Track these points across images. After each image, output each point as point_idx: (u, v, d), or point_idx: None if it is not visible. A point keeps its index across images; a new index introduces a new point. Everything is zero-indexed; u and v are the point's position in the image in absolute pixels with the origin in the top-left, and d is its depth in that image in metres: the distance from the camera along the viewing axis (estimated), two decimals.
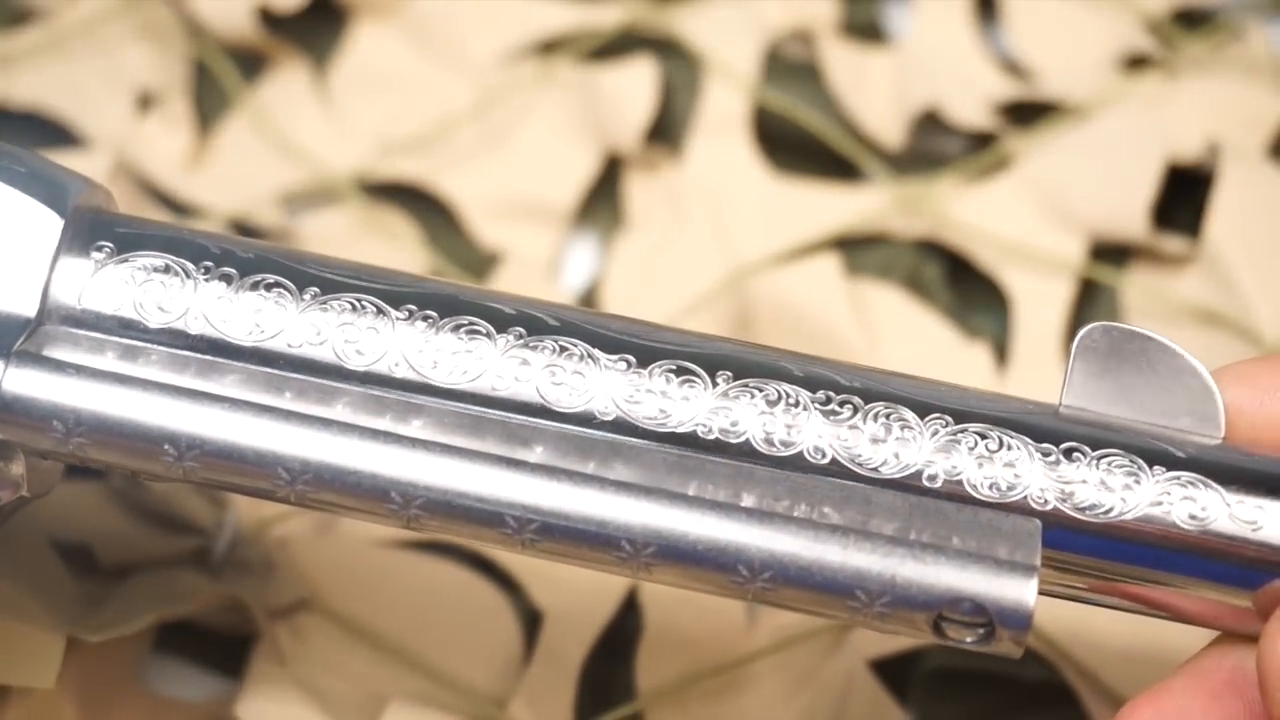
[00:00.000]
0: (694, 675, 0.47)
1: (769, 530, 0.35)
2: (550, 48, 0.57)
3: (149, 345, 0.37)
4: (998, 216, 0.54)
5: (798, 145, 0.56)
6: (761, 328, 0.52)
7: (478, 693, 0.47)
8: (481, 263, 0.54)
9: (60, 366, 0.37)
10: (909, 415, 0.37)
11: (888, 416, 0.37)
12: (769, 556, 0.35)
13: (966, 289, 0.54)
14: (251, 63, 0.57)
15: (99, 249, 0.38)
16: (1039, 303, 0.53)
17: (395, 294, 0.38)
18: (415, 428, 0.37)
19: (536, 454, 0.36)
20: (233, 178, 0.55)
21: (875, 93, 0.56)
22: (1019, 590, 0.35)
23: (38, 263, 0.38)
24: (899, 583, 0.35)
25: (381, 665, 0.47)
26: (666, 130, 0.56)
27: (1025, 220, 0.54)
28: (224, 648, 0.48)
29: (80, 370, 0.37)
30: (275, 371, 0.37)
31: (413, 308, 0.38)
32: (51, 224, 0.38)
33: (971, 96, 0.56)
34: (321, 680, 0.46)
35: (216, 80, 0.56)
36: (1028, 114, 0.56)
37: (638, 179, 0.55)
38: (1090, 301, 0.53)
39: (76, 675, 0.46)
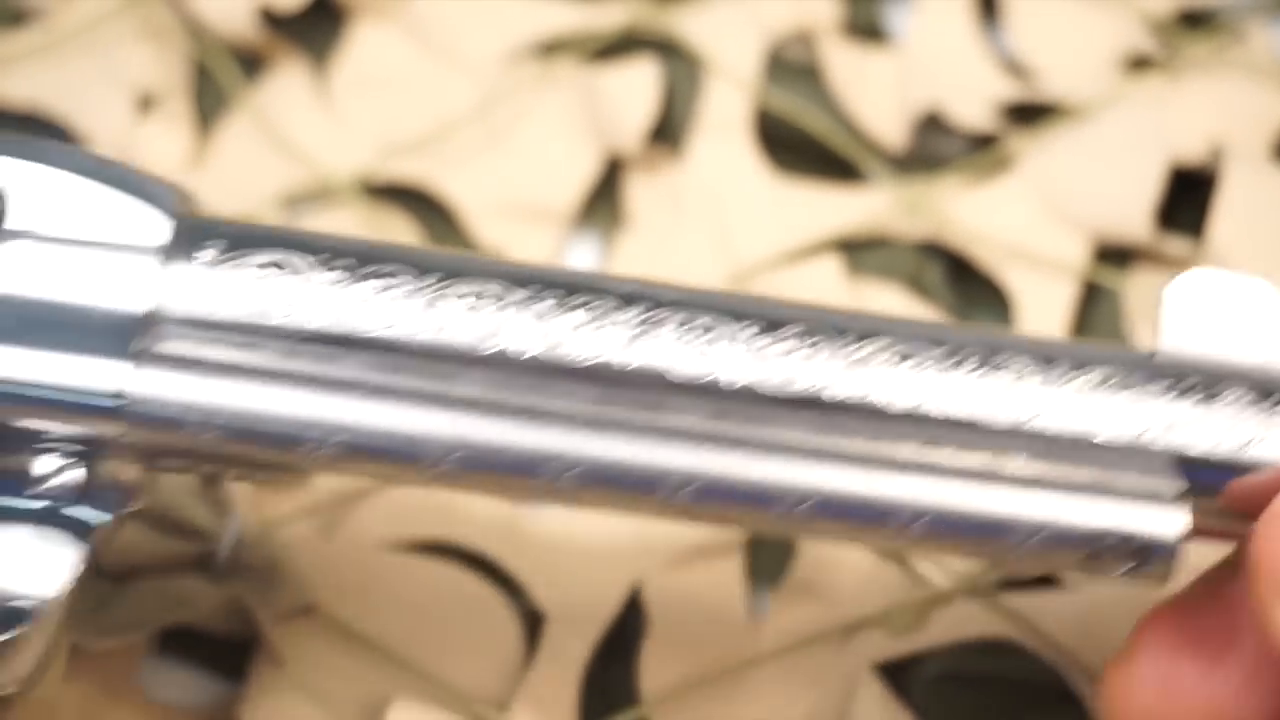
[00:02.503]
0: (698, 678, 0.47)
1: (920, 481, 0.37)
2: (551, 48, 0.57)
3: (268, 341, 0.37)
4: (1000, 218, 0.54)
5: (799, 146, 0.56)
6: None
7: (479, 696, 0.47)
8: None
9: (185, 364, 0.37)
10: (1032, 363, 0.38)
11: (1009, 367, 0.38)
12: (918, 507, 0.36)
13: (968, 290, 0.54)
14: (251, 63, 0.57)
15: (208, 248, 0.38)
16: (1041, 304, 0.53)
17: (515, 276, 0.38)
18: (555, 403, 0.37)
19: (679, 420, 0.37)
20: (233, 179, 0.55)
21: (876, 94, 0.56)
22: (1168, 523, 0.36)
23: (149, 264, 0.38)
24: (1050, 527, 0.36)
25: (383, 668, 0.47)
26: (667, 131, 0.56)
27: (1027, 222, 0.54)
28: (225, 652, 0.47)
29: (206, 365, 0.37)
30: (402, 360, 0.37)
31: (536, 288, 0.38)
32: (161, 226, 0.38)
33: (973, 97, 0.56)
34: (323, 684, 0.46)
35: (216, 80, 0.56)
36: (1030, 115, 0.56)
37: (638, 180, 0.55)
38: (1093, 303, 0.53)
39: (76, 681, 0.46)
